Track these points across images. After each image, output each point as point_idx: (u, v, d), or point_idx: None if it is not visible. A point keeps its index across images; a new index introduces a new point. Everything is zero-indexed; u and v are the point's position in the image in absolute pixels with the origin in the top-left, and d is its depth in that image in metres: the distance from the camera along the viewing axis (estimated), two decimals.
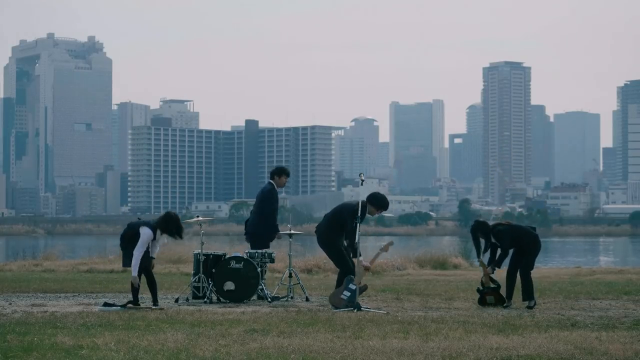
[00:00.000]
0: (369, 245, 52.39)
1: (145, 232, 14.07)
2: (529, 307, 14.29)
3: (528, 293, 14.60)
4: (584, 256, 62.91)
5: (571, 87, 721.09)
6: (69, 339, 10.01)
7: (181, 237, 14.39)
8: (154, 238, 14.21)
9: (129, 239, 14.28)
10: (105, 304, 14.11)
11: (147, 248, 14.22)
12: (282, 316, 12.68)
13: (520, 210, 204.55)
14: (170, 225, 14.24)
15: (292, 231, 16.43)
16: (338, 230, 14.43)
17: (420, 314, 13.15)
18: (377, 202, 14.56)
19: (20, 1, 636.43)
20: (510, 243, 14.65)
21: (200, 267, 15.35)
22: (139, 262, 14.04)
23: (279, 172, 16.49)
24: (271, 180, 16.44)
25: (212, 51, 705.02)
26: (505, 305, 14.45)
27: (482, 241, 14.81)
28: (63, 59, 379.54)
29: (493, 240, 14.69)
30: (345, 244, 14.46)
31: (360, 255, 14.02)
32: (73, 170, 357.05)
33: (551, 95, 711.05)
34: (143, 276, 14.52)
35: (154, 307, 13.96)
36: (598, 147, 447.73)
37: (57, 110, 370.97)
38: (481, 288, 14.74)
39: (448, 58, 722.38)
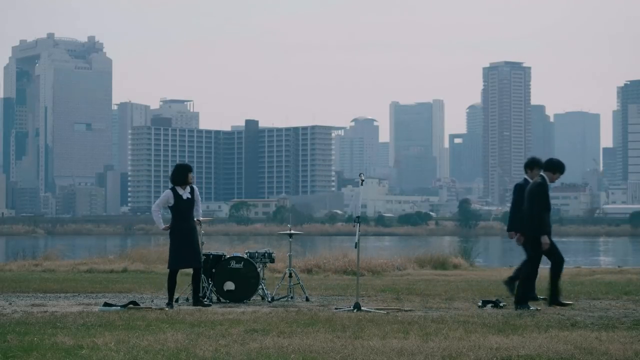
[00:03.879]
0: (369, 245, 52.41)
1: (163, 193, 14.55)
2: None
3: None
4: (584, 256, 62.89)
5: (571, 87, 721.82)
6: (69, 339, 10.00)
7: (186, 183, 14.56)
8: (175, 196, 14.38)
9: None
10: (106, 304, 14.10)
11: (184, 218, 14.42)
12: (282, 316, 12.68)
13: None
14: (176, 174, 14.52)
15: (292, 231, 16.42)
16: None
17: (420, 314, 13.15)
18: (554, 166, 14.29)
19: (20, 1, 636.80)
20: None
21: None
22: (156, 214, 14.53)
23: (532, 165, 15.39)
24: (542, 174, 14.75)
25: (212, 51, 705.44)
26: (502, 305, 14.46)
27: None
28: (63, 59, 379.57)
29: None
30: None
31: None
32: (73, 170, 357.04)
33: (551, 95, 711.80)
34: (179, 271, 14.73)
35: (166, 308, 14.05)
36: (598, 147, 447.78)
37: (57, 110, 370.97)
38: None
39: (448, 58, 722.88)
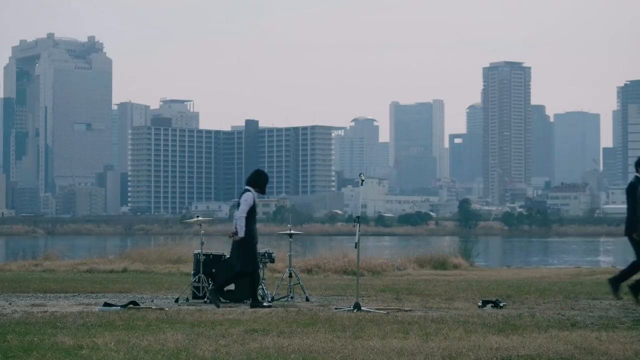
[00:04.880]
0: (369, 245, 52.45)
1: (247, 196, 14.39)
2: None
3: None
4: (584, 256, 62.90)
5: (571, 87, 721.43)
6: (69, 339, 10.00)
7: (264, 193, 14.69)
8: (254, 198, 14.49)
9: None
10: (106, 304, 14.11)
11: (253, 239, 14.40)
12: (282, 316, 12.68)
13: (520, 210, 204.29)
14: (260, 180, 14.57)
15: (292, 231, 16.42)
16: None
17: (420, 314, 13.14)
18: None
19: (20, 1, 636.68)
20: None
21: (200, 267, 15.37)
22: (243, 223, 14.26)
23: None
24: (637, 174, 14.82)
25: (212, 51, 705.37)
26: (502, 305, 14.46)
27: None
28: (63, 59, 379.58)
29: None
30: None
31: None
32: (73, 170, 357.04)
33: (551, 95, 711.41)
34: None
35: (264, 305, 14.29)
36: (598, 147, 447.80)
37: (57, 110, 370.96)
38: None
39: (448, 58, 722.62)
